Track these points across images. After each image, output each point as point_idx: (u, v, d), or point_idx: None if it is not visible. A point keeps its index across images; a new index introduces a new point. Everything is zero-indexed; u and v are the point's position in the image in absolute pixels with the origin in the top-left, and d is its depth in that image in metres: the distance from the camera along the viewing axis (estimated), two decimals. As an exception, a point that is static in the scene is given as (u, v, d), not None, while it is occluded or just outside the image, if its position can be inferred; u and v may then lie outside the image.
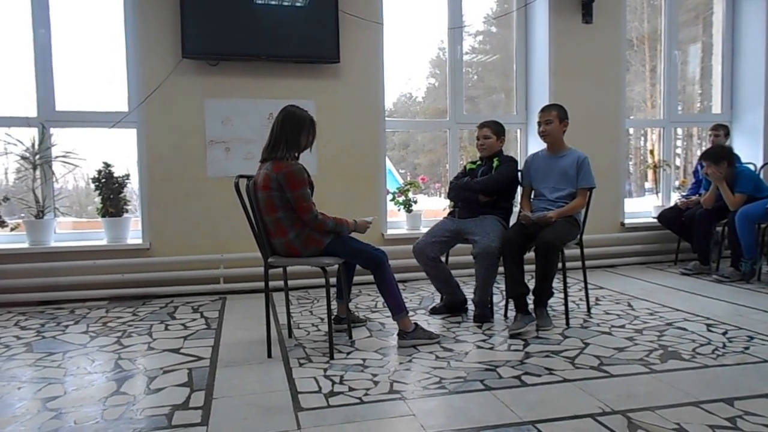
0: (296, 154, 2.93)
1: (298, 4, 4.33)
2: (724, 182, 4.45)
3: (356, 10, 4.50)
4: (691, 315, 3.48)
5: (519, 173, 3.66)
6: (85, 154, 4.33)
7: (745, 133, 5.60)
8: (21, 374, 2.67)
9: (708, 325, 3.24)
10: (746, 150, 5.45)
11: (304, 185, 2.83)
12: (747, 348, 2.83)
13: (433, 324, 3.40)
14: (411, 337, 2.96)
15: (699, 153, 5.87)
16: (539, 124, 3.52)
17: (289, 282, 3.25)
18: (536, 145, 4.49)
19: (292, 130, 2.89)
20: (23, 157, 4.16)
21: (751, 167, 5.21)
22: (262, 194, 2.83)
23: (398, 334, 2.99)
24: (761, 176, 5.11)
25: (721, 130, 5.07)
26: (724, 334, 3.08)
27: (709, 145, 5.18)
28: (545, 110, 3.53)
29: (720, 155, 4.47)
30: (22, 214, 4.30)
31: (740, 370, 2.54)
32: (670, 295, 4.02)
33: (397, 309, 2.96)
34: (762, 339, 2.96)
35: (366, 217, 3.09)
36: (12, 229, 4.25)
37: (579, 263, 3.64)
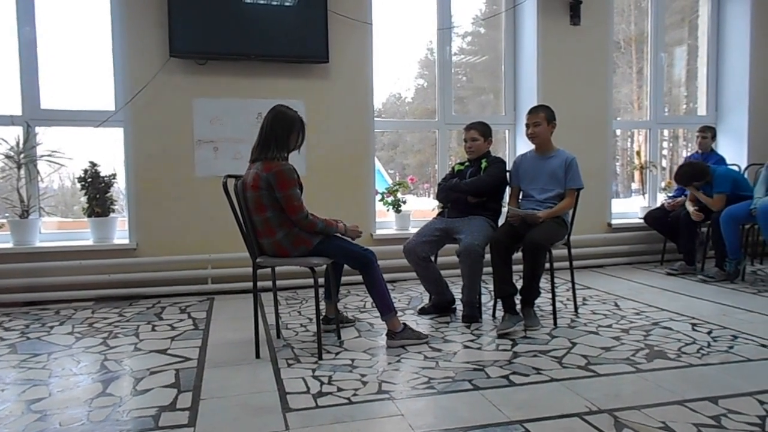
0: (285, 155, 2.92)
1: (287, 4, 4.32)
2: (699, 192, 4.55)
3: (345, 10, 4.50)
4: (677, 315, 3.51)
5: (507, 174, 3.68)
6: (71, 153, 4.29)
7: (730, 134, 5.67)
8: (5, 376, 2.64)
9: (693, 325, 3.28)
10: (731, 151, 5.52)
11: (294, 185, 2.82)
12: (731, 347, 2.86)
13: (421, 324, 3.41)
14: (400, 337, 2.96)
15: (685, 154, 5.95)
16: (527, 126, 3.53)
17: (278, 282, 3.24)
18: (524, 145, 4.51)
19: (282, 131, 2.88)
20: (8, 156, 4.11)
21: (736, 168, 5.28)
22: (251, 194, 2.82)
23: (387, 334, 2.99)
24: (746, 177, 5.18)
25: (708, 132, 5.13)
26: (709, 333, 3.12)
27: (695, 147, 5.25)
28: (533, 112, 3.54)
29: (688, 177, 4.55)
30: (7, 214, 4.25)
31: (724, 369, 2.57)
32: (656, 295, 4.05)
33: (386, 309, 2.96)
34: (746, 338, 3.00)
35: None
36: (-4, 229, 4.21)
37: (566, 263, 3.66)
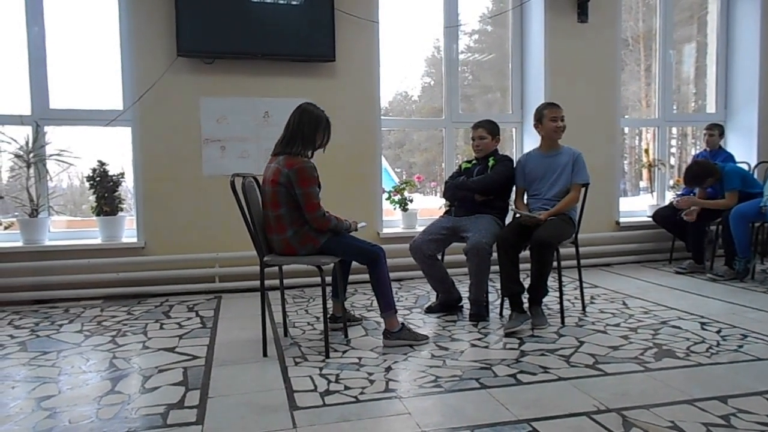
0: (310, 153, 2.95)
1: (294, 3, 4.32)
2: (707, 200, 4.53)
3: (352, 8, 4.50)
4: (686, 313, 3.49)
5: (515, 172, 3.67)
6: (80, 152, 4.32)
7: (739, 132, 5.62)
8: (15, 373, 2.66)
9: (702, 324, 3.26)
10: (740, 149, 5.48)
11: (314, 183, 2.86)
12: (741, 346, 2.84)
13: (428, 323, 3.41)
14: (396, 337, 2.95)
15: (694, 152, 5.91)
16: (555, 119, 3.48)
17: (285, 281, 3.25)
18: (531, 143, 4.50)
19: (310, 128, 2.92)
20: (17, 156, 4.14)
21: (745, 166, 5.24)
22: (269, 188, 2.84)
23: (383, 333, 2.99)
24: (755, 175, 5.14)
25: (716, 130, 5.09)
26: (718, 332, 3.10)
27: (703, 145, 5.21)
28: (557, 107, 3.53)
29: (702, 175, 4.52)
30: (16, 213, 4.28)
31: (734, 368, 2.55)
32: (665, 294, 4.03)
33: (387, 306, 2.95)
34: (755, 337, 2.98)
35: (360, 222, 3.13)
36: (6, 228, 4.23)
37: (574, 262, 3.64)
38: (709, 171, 4.50)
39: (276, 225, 2.86)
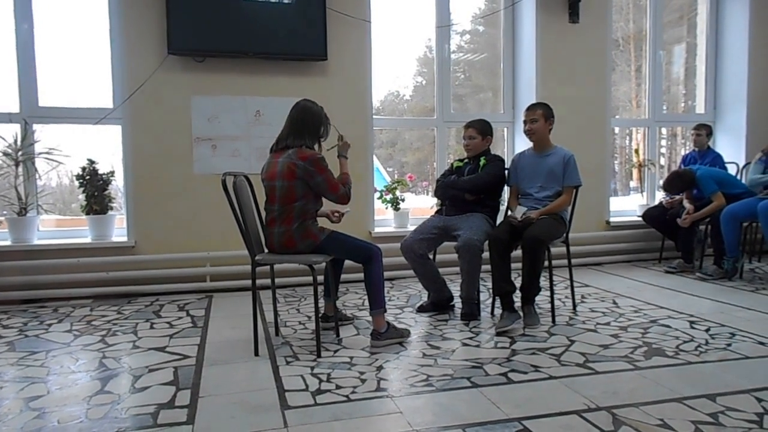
0: (317, 146, 3.01)
1: (286, 1, 4.31)
2: (697, 212, 4.52)
3: (344, 7, 4.49)
4: (675, 312, 3.52)
5: (506, 172, 3.68)
6: (69, 150, 4.28)
7: (728, 132, 5.67)
8: (3, 373, 2.63)
9: (691, 323, 3.29)
10: (729, 149, 5.53)
11: (328, 168, 2.92)
12: (729, 345, 2.87)
13: (420, 322, 3.41)
14: (385, 337, 2.96)
15: (683, 152, 5.95)
16: (525, 122, 3.54)
17: (277, 280, 3.24)
18: (522, 143, 4.51)
19: (314, 124, 2.97)
20: (5, 154, 4.10)
21: (734, 167, 5.29)
22: (284, 183, 2.85)
23: (371, 334, 2.98)
24: (742, 175, 5.18)
25: (703, 130, 5.12)
26: (707, 331, 3.12)
27: (691, 145, 5.24)
28: (531, 108, 3.55)
29: (683, 187, 4.59)
30: (5, 212, 4.24)
31: (722, 366, 2.58)
32: (655, 293, 4.06)
33: (377, 304, 2.96)
34: (744, 336, 3.01)
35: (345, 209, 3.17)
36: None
37: (565, 261, 3.66)
38: (691, 182, 4.55)
39: (282, 218, 2.87)
